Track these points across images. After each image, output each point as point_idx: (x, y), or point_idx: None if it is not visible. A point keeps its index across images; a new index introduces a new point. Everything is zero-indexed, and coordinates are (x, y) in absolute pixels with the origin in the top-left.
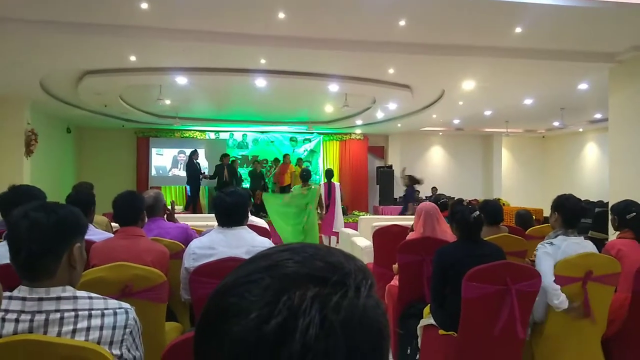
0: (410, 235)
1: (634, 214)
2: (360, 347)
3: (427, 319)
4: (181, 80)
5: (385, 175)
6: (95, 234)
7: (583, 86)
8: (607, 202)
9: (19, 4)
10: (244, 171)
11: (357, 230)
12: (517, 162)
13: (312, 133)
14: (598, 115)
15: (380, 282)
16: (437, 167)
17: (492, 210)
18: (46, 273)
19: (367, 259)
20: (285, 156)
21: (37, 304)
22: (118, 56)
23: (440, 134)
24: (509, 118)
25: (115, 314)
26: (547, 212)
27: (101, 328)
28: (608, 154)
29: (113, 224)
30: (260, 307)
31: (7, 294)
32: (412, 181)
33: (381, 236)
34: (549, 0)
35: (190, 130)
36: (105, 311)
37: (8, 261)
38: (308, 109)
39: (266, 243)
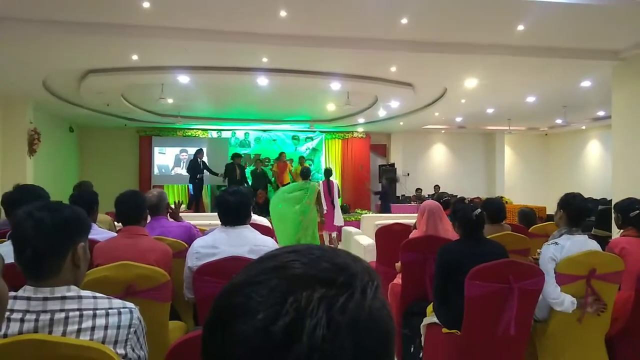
0: (413, 234)
1: (638, 211)
2: (367, 348)
3: (430, 317)
4: (183, 79)
5: (387, 173)
6: (99, 233)
7: (586, 84)
8: (611, 200)
9: (22, 3)
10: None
11: (359, 229)
12: (520, 160)
13: (314, 131)
14: (601, 113)
15: (383, 281)
16: (439, 165)
17: (494, 208)
18: (51, 272)
19: (370, 257)
20: (281, 154)
21: (42, 303)
22: (120, 55)
23: (443, 132)
24: (511, 116)
25: (119, 313)
26: (550, 210)
27: (106, 327)
28: (611, 151)
29: (116, 223)
30: (268, 307)
31: (12, 293)
32: (390, 180)
33: (384, 234)
34: None
35: (193, 129)
36: (110, 311)
37: (13, 260)
38: (310, 107)
39: (269, 242)
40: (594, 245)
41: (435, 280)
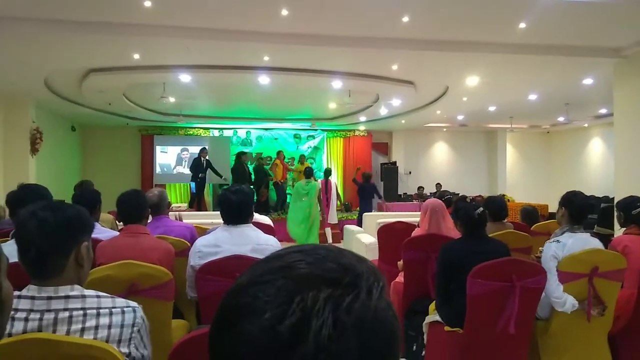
0: (416, 232)
1: None
2: (372, 349)
3: (433, 316)
4: (185, 77)
5: (389, 171)
6: (102, 232)
7: (588, 81)
8: (613, 198)
9: (22, 2)
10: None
11: (361, 227)
12: (522, 157)
13: (316, 130)
14: (603, 111)
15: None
16: (441, 164)
17: (496, 206)
18: (54, 272)
19: (372, 255)
20: (279, 153)
21: (46, 302)
22: (122, 54)
23: (445, 130)
24: (513, 114)
25: (123, 312)
26: (552, 208)
27: (109, 326)
28: (613, 149)
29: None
30: (274, 307)
31: (16, 293)
32: (365, 178)
33: (386, 233)
34: None
35: (194, 127)
36: (113, 310)
37: (16, 260)
38: (311, 105)
39: (271, 241)
40: (596, 243)
41: (437, 278)
